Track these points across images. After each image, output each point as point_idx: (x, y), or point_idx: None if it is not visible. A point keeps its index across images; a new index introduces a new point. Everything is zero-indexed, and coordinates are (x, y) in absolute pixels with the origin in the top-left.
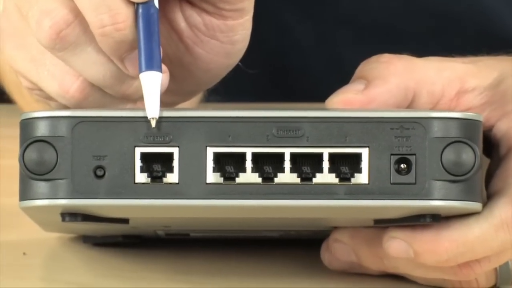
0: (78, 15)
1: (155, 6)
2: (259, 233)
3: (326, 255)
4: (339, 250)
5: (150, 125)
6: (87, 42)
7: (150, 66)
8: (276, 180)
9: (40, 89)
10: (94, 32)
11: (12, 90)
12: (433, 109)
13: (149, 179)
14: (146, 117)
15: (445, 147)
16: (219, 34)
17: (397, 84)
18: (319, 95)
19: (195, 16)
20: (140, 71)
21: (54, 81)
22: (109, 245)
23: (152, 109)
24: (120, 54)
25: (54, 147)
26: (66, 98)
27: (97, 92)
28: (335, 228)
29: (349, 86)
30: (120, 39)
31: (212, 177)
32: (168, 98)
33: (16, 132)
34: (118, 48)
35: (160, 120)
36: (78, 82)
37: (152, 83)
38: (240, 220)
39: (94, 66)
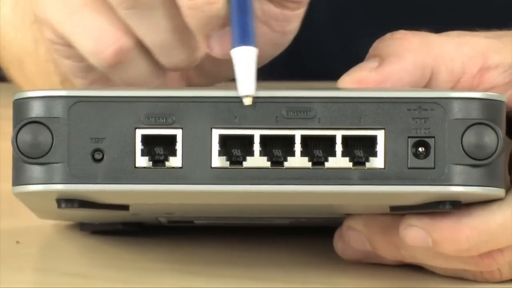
0: None
1: None
2: (268, 220)
3: (339, 244)
4: (353, 239)
5: (243, 104)
6: (160, 5)
7: (245, 41)
8: (286, 164)
9: (65, 44)
10: (181, 4)
11: (11, 66)
12: (453, 87)
13: (151, 163)
14: (147, 97)
15: (466, 129)
16: (274, 22)
17: (413, 61)
18: (332, 75)
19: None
20: (234, 46)
21: (90, 37)
22: (108, 233)
23: (248, 86)
24: (207, 31)
25: (49, 128)
26: (98, 59)
27: (135, 60)
28: (349, 215)
29: (362, 64)
30: (212, 13)
31: (218, 161)
32: (197, 78)
33: None
34: (207, 24)
35: (162, 100)
36: (117, 44)
37: (247, 59)
38: (248, 206)
39: (157, 31)
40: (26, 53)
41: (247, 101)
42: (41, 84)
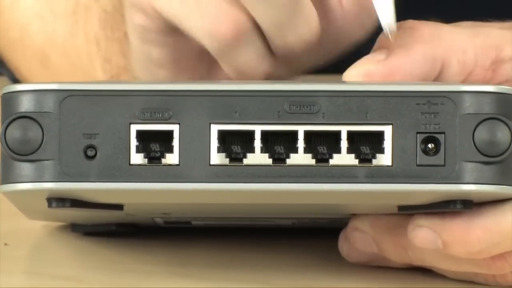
0: None
1: None
2: (269, 221)
3: (344, 246)
4: (359, 240)
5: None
6: None
7: None
8: (288, 161)
9: (161, 30)
10: None
11: (31, 59)
12: (464, 81)
13: (146, 160)
14: (142, 91)
15: (477, 125)
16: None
17: (423, 53)
18: (338, 68)
19: None
20: None
21: (206, 16)
22: (101, 234)
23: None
24: None
25: (39, 124)
26: (216, 38)
27: (250, 43)
28: (355, 215)
29: (368, 57)
30: None
31: (217, 157)
32: (282, 68)
33: None
34: None
35: (158, 93)
36: (236, 23)
37: None
38: (248, 206)
39: (274, 8)
40: (54, 45)
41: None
42: (68, 77)
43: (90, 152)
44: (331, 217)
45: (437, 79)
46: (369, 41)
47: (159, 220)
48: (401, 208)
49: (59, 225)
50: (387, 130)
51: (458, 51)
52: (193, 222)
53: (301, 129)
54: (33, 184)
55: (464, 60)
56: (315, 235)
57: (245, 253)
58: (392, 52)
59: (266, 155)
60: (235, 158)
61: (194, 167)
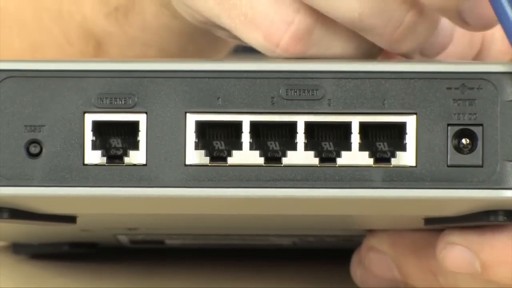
0: None
1: None
2: (263, 239)
3: (358, 271)
4: (376, 263)
5: None
6: None
7: None
8: (285, 160)
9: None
10: None
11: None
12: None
13: (105, 158)
14: (100, 71)
15: None
16: None
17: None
18: None
19: None
20: None
21: (257, 30)
22: (51, 257)
23: None
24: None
25: None
26: (277, 53)
27: (326, 41)
28: (370, 231)
29: None
30: None
31: (194, 156)
32: None
33: None
34: None
35: (119, 74)
36: (292, 29)
37: None
38: (235, 219)
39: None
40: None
41: None
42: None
43: (34, 149)
44: (341, 234)
45: (476, 59)
46: None
47: (123, 238)
48: (429, 221)
49: None
50: (410, 122)
51: None
52: (167, 241)
53: (301, 120)
54: None
55: None
56: (321, 257)
57: (233, 281)
58: None
59: (257, 152)
60: (218, 156)
61: (166, 168)
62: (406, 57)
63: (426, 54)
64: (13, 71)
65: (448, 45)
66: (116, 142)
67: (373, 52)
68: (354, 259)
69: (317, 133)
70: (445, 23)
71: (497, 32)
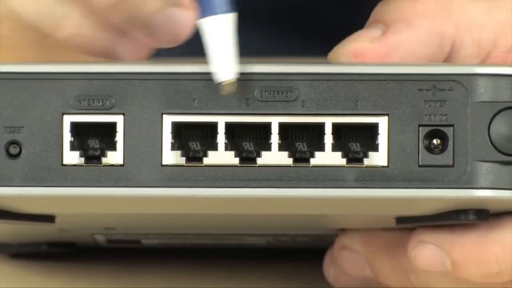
0: None
1: None
2: (238, 239)
3: (331, 269)
4: (349, 262)
5: (222, 90)
6: None
7: (215, 7)
8: (260, 161)
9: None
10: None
11: None
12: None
13: (83, 159)
14: (78, 73)
15: (494, 116)
16: None
17: (428, 28)
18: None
19: None
20: (201, 16)
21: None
22: (30, 257)
23: (226, 68)
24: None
25: None
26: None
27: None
28: (343, 231)
29: (361, 32)
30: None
31: (171, 156)
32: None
33: None
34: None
35: (97, 77)
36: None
37: (219, 31)
38: (210, 218)
39: None
40: None
41: (228, 89)
42: None
43: (13, 150)
44: (314, 234)
45: (446, 61)
46: (359, 13)
47: (100, 238)
48: (400, 220)
49: None
50: (382, 122)
51: (472, 28)
52: (144, 241)
53: (275, 121)
54: None
55: (479, 39)
56: (295, 257)
57: (208, 280)
58: (390, 28)
59: (232, 153)
60: (193, 157)
61: (143, 168)
62: (129, 35)
63: (155, 39)
64: None
65: (183, 38)
66: (94, 143)
67: None
68: (327, 258)
69: (291, 134)
70: (184, 17)
71: (467, 35)
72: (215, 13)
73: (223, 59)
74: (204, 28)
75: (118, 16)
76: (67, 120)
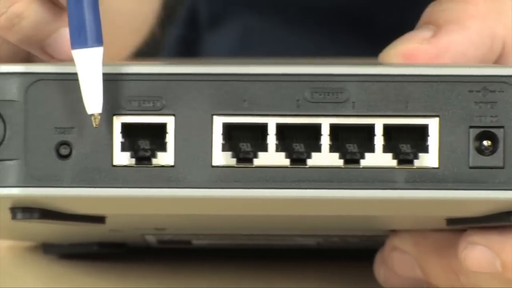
0: None
1: None
2: (288, 240)
3: (381, 270)
4: (399, 263)
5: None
6: None
7: (83, 41)
8: (310, 162)
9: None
10: None
11: None
12: None
13: (133, 160)
14: (129, 74)
15: None
16: None
17: (479, 30)
18: (376, 47)
19: None
20: (72, 47)
21: None
22: (80, 257)
23: (94, 101)
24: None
25: (0, 115)
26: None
27: None
28: (393, 232)
29: (412, 33)
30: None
31: (221, 157)
32: None
33: None
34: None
35: (148, 77)
36: None
37: (88, 63)
38: (261, 219)
39: None
40: None
41: (95, 122)
42: None
43: (64, 150)
44: (364, 235)
45: (496, 63)
46: (410, 14)
47: (151, 239)
48: (451, 221)
49: (28, 246)
50: (433, 124)
51: None
52: (194, 242)
53: (325, 122)
54: None
55: None
56: (345, 257)
57: (259, 281)
58: (441, 29)
59: (283, 154)
60: (244, 158)
61: (193, 169)
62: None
63: (51, 56)
64: (43, 74)
65: None
66: (144, 143)
67: None
68: (378, 259)
69: (341, 135)
70: None
71: None
72: (86, 46)
73: (92, 92)
74: (75, 59)
75: (14, 38)
76: (118, 121)
